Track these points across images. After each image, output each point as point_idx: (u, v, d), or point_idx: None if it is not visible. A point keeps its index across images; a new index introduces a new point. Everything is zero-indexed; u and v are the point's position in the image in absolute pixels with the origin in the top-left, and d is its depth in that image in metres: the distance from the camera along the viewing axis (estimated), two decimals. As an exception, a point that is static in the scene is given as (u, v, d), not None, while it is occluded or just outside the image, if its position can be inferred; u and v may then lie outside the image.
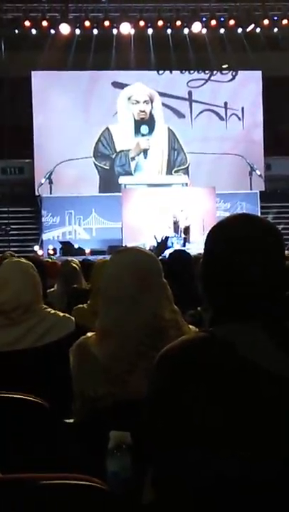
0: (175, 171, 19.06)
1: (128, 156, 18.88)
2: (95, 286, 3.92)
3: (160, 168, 19.05)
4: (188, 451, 1.44)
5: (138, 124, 18.95)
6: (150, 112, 19.10)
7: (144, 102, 19.09)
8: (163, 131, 19.16)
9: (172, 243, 13.91)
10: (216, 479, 1.40)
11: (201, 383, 1.47)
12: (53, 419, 2.22)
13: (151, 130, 19.00)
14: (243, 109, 19.51)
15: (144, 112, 19.04)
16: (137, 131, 18.91)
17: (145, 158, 18.89)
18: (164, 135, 19.17)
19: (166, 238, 5.04)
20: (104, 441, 1.80)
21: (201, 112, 19.49)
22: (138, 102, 19.06)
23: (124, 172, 18.72)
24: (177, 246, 14.12)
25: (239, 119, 19.56)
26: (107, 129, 18.95)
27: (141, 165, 18.89)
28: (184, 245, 14.69)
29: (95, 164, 18.91)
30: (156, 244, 5.39)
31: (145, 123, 18.95)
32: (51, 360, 2.78)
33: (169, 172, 19.04)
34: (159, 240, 5.24)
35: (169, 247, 11.22)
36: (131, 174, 18.69)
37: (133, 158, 18.88)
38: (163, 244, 5.34)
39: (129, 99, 19.00)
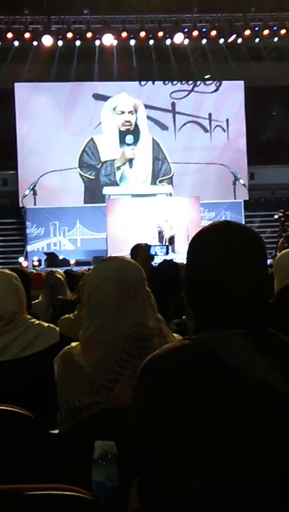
0: (159, 181, 19.13)
1: (113, 166, 18.92)
2: (83, 297, 3.90)
3: (145, 178, 19.10)
4: (171, 462, 1.44)
5: (123, 134, 19.02)
6: (135, 123, 19.17)
7: (129, 112, 19.16)
8: (147, 142, 19.23)
9: (156, 252, 13.96)
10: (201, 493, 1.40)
11: (185, 390, 1.47)
12: (38, 430, 2.20)
13: (136, 140, 19.06)
14: (227, 120, 19.60)
15: (129, 122, 19.11)
16: (122, 141, 18.98)
17: (131, 167, 18.95)
18: (149, 145, 19.24)
19: (149, 247, 5.02)
20: (90, 451, 1.79)
21: (185, 124, 19.57)
22: (123, 112, 19.12)
23: (109, 182, 18.76)
24: (160, 255, 14.18)
25: (224, 130, 19.66)
26: (92, 139, 18.99)
27: (126, 175, 18.94)
28: (167, 253, 14.74)
29: (81, 175, 18.94)
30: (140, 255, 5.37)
31: (130, 133, 19.01)
32: (35, 371, 2.76)
33: (153, 182, 19.10)
34: (142, 251, 5.22)
35: (153, 256, 11.23)
36: (116, 184, 18.73)
37: (118, 168, 18.93)
38: (146, 254, 5.32)
39: (114, 109, 19.06)
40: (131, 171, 19.06)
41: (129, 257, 6.21)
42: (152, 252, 9.40)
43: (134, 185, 18.71)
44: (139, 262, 4.68)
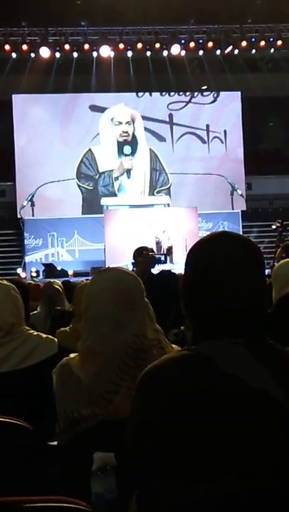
0: (157, 192, 19.16)
1: (112, 176, 18.96)
2: (78, 309, 3.89)
3: (142, 189, 19.12)
4: (171, 471, 1.43)
5: (121, 144, 19.07)
6: (133, 133, 19.22)
7: (127, 123, 19.22)
8: (145, 152, 19.27)
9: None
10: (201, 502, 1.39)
11: (184, 400, 1.46)
12: (37, 442, 2.20)
13: (134, 151, 19.10)
14: (225, 132, 19.65)
15: (126, 132, 19.16)
16: (120, 151, 19.02)
17: (128, 178, 18.99)
18: (146, 156, 19.28)
19: (152, 251, 5.03)
20: (89, 463, 1.78)
21: (183, 135, 19.61)
22: (120, 123, 19.19)
23: (107, 192, 18.81)
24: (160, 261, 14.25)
25: (222, 141, 19.71)
26: (90, 150, 19.02)
27: (124, 185, 18.98)
28: (165, 262, 14.77)
29: (78, 185, 18.96)
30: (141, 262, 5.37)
31: (128, 143, 19.05)
32: (34, 382, 2.75)
33: (151, 193, 19.14)
34: (141, 258, 5.23)
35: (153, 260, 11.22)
36: (115, 194, 18.77)
37: (117, 178, 18.96)
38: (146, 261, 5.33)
39: (111, 120, 19.11)
40: (129, 182, 19.10)
41: (129, 265, 6.20)
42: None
43: (132, 195, 18.74)
44: (141, 263, 4.67)
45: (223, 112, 19.77)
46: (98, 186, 19.11)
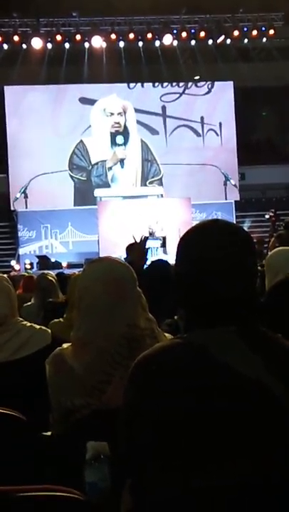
0: (149, 183, 19.12)
1: (105, 167, 18.94)
2: (71, 300, 3.90)
3: (134, 180, 19.09)
4: (164, 461, 1.44)
5: (113, 135, 19.01)
6: (124, 124, 19.17)
7: (118, 114, 19.16)
8: (137, 143, 19.23)
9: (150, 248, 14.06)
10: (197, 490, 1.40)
11: (177, 389, 1.47)
12: (31, 432, 2.20)
13: (126, 141, 19.06)
14: (220, 124, 19.60)
15: (118, 123, 19.12)
16: (113, 142, 19.00)
17: (122, 167, 18.95)
18: (138, 147, 19.24)
19: (146, 238, 5.01)
20: (82, 452, 1.79)
21: (176, 128, 19.55)
22: (112, 114, 19.13)
23: (101, 182, 18.79)
24: (156, 245, 14.35)
25: (217, 134, 19.65)
26: (81, 141, 18.98)
27: (118, 175, 18.94)
28: (164, 245, 14.82)
29: (71, 176, 18.93)
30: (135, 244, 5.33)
31: (120, 134, 19.01)
32: (28, 374, 2.75)
33: (143, 183, 19.11)
34: (138, 240, 5.21)
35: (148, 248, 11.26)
36: (108, 184, 18.75)
37: (110, 168, 18.93)
38: (142, 243, 5.30)
39: (103, 111, 19.05)
40: (122, 171, 19.06)
41: (123, 256, 6.19)
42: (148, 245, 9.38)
43: (126, 185, 18.71)
44: (136, 251, 4.65)
45: (218, 103, 19.68)
46: (92, 177, 19.07)
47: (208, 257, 1.55)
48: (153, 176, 19.38)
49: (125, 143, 19.10)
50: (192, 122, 19.67)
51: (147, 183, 19.18)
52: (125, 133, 19.21)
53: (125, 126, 19.23)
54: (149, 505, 1.46)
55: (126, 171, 19.08)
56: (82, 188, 18.89)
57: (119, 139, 19.00)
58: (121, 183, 18.88)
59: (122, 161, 19.01)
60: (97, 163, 19.01)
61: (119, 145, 18.97)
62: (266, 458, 1.42)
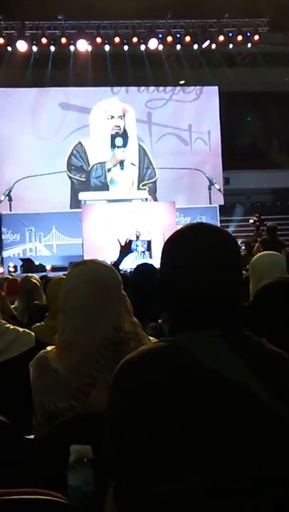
0: (142, 185, 19.13)
1: (104, 168, 18.93)
2: (51, 303, 3.90)
3: (131, 184, 19.12)
4: (147, 465, 1.43)
5: (113, 137, 19.04)
6: (124, 127, 19.18)
7: (119, 117, 19.16)
8: (135, 146, 19.27)
9: (136, 245, 14.07)
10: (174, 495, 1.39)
11: (160, 392, 1.46)
12: (14, 435, 2.19)
13: (125, 143, 19.06)
14: (209, 132, 19.62)
15: (118, 126, 19.14)
16: (112, 144, 18.99)
17: (122, 169, 18.96)
18: (135, 150, 19.26)
19: (130, 241, 5.04)
20: (66, 456, 1.78)
21: (163, 136, 19.54)
22: (113, 117, 19.14)
23: (100, 184, 18.86)
24: (141, 249, 14.32)
25: (206, 143, 19.65)
26: (80, 143, 19.01)
27: (116, 177, 18.93)
28: (149, 249, 14.81)
29: (70, 177, 18.93)
30: (119, 247, 5.38)
31: (120, 136, 19.03)
32: (12, 376, 2.74)
33: (139, 186, 19.13)
34: (123, 244, 5.22)
35: (133, 251, 11.28)
36: (107, 186, 18.78)
37: (109, 170, 18.93)
38: (126, 246, 5.32)
39: (105, 113, 19.07)
40: (122, 173, 19.06)
41: (107, 260, 6.20)
42: (133, 246, 9.40)
43: (125, 187, 18.73)
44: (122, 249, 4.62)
45: (206, 110, 19.70)
46: (91, 178, 19.08)
47: (192, 261, 1.55)
48: (149, 179, 19.40)
49: (124, 145, 19.09)
50: (177, 128, 19.68)
51: (140, 185, 19.19)
52: (124, 135, 19.22)
53: (124, 129, 19.25)
54: (134, 508, 1.45)
55: (125, 173, 19.08)
56: (81, 189, 18.83)
57: (119, 141, 19.02)
58: (120, 184, 18.90)
59: (121, 162, 19.02)
60: (96, 165, 19.02)
61: (118, 147, 18.98)
62: (253, 460, 1.42)
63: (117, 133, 19.18)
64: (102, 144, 19.12)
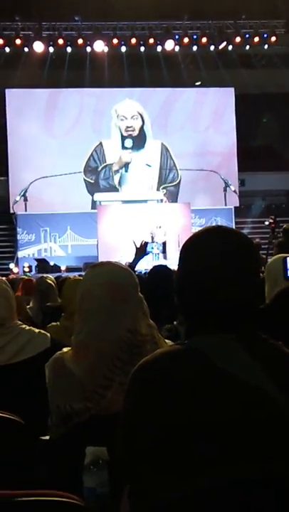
0: (163, 188, 19.10)
1: (112, 170, 18.93)
2: (67, 304, 3.89)
3: (151, 185, 19.07)
4: (162, 467, 1.43)
5: (124, 138, 19.04)
6: (141, 127, 19.16)
7: (132, 117, 19.14)
8: (155, 146, 19.21)
9: (152, 248, 14.07)
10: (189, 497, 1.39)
11: (176, 396, 1.46)
12: (29, 436, 2.19)
13: (137, 145, 19.03)
14: (222, 130, 19.59)
15: (131, 127, 19.10)
16: (123, 145, 18.99)
17: (126, 171, 18.93)
18: (157, 150, 19.23)
19: (146, 243, 5.04)
20: (81, 457, 1.78)
21: (178, 138, 19.50)
22: (125, 118, 19.12)
23: (108, 185, 18.84)
24: (156, 251, 14.33)
25: (221, 145, 19.59)
26: (100, 143, 19.04)
27: (126, 179, 18.92)
28: (164, 251, 14.77)
29: (84, 179, 18.95)
30: (134, 249, 5.38)
31: (130, 137, 19.00)
32: (27, 377, 2.75)
33: (159, 188, 19.10)
34: (138, 246, 5.22)
35: (148, 253, 11.28)
36: (115, 187, 18.75)
37: (116, 172, 18.92)
38: (142, 248, 5.32)
39: (118, 115, 19.09)
40: (129, 175, 19.03)
41: (122, 260, 6.20)
42: (149, 248, 9.39)
43: (133, 189, 18.71)
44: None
45: (222, 112, 19.66)
46: (99, 180, 19.10)
47: (210, 263, 1.55)
48: (171, 181, 19.40)
49: (136, 146, 19.05)
50: (192, 130, 19.64)
51: (161, 188, 19.15)
52: (141, 136, 19.17)
53: (142, 130, 19.21)
54: (148, 509, 1.45)
55: (133, 175, 19.02)
56: (92, 191, 18.84)
57: (128, 143, 18.97)
58: (128, 186, 18.87)
59: (127, 164, 18.99)
60: (105, 166, 19.05)
61: (126, 148, 18.96)
62: (267, 463, 1.41)
63: (130, 134, 19.17)
64: (117, 146, 19.15)
